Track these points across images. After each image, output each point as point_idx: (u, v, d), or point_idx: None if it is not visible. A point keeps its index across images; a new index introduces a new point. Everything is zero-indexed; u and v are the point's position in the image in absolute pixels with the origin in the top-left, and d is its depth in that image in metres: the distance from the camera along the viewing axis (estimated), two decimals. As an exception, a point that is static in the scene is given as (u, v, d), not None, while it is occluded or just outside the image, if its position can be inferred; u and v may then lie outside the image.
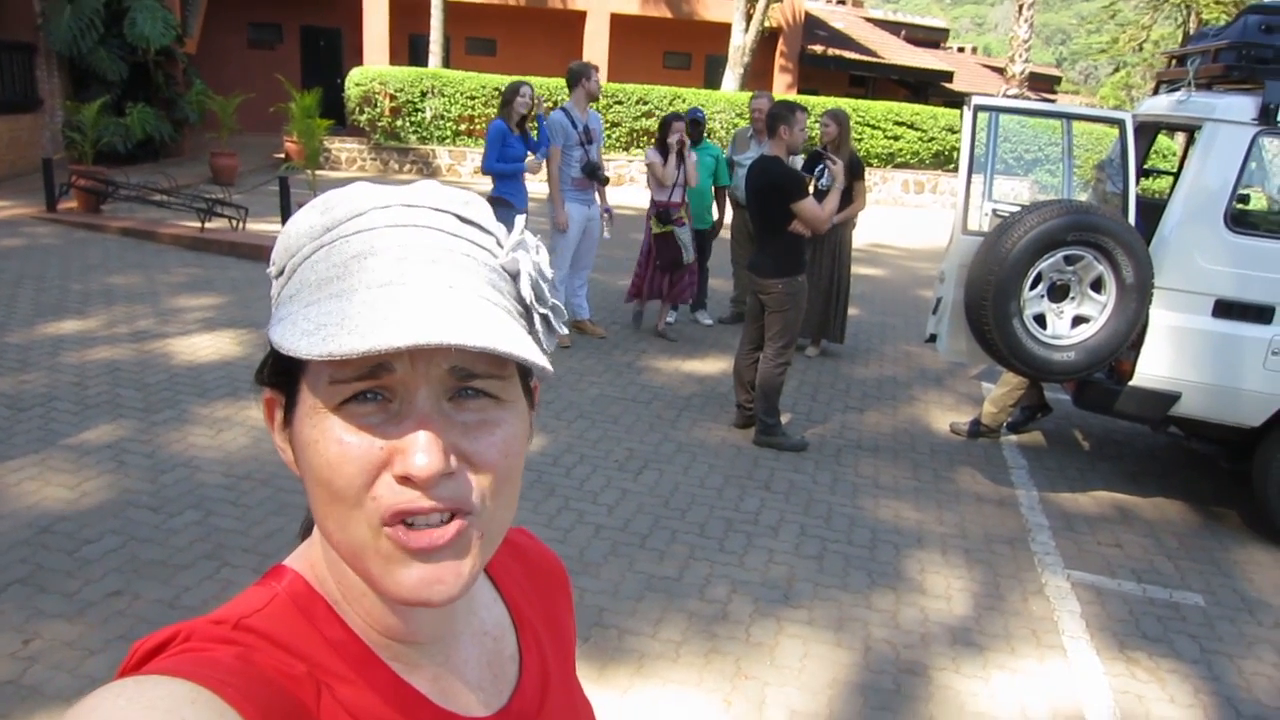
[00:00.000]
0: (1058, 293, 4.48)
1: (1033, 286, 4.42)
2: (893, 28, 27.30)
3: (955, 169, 15.61)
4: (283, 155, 15.01)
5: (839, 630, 3.47)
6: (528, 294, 0.63)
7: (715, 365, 6.58)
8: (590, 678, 3.07)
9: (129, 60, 13.05)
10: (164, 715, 0.50)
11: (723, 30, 19.42)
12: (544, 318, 0.64)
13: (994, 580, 3.95)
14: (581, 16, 20.39)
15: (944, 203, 17.21)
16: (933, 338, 5.16)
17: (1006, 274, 4.32)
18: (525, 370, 0.64)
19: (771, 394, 5.14)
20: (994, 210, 5.84)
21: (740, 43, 18.01)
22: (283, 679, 0.58)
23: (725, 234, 7.76)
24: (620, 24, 20.50)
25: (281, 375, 0.62)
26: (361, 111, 15.74)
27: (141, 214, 9.97)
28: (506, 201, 6.21)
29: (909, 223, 15.12)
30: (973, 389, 6.65)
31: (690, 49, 22.34)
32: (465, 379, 0.58)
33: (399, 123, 16.01)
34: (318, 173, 14.59)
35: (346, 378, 0.56)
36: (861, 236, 11.37)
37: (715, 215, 7.54)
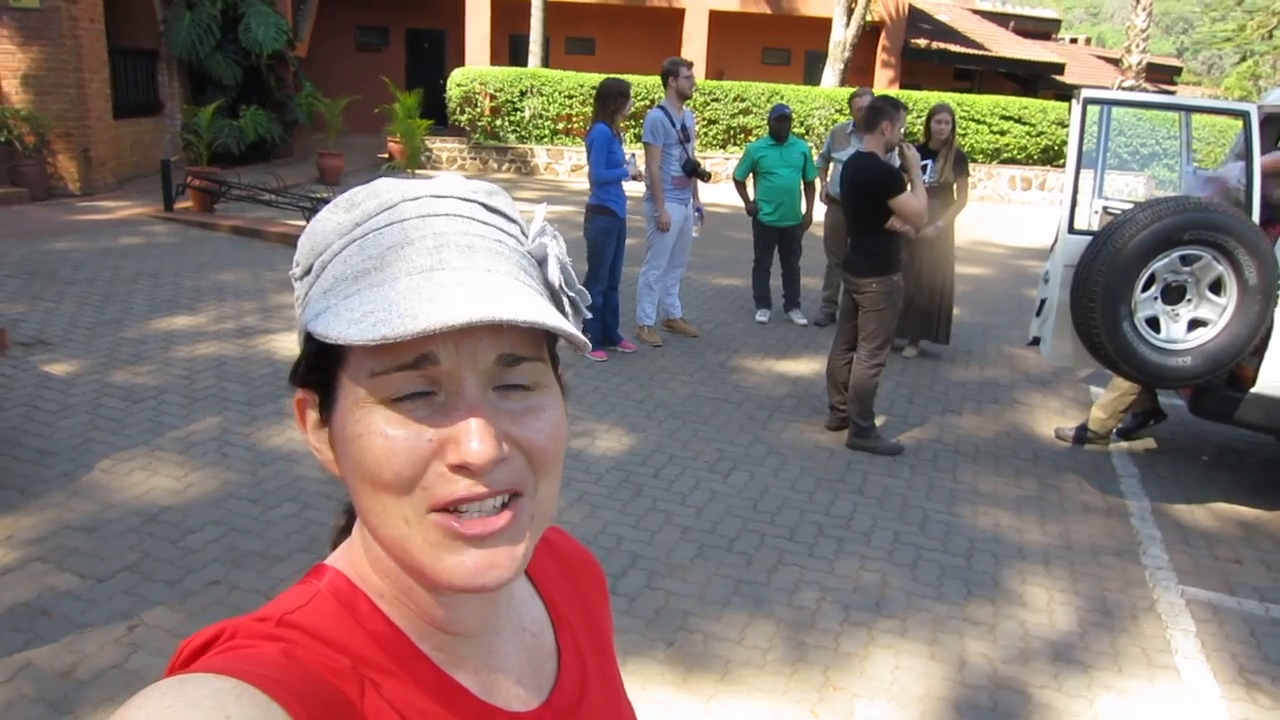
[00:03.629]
0: (1172, 294, 4.25)
1: (1145, 288, 4.20)
2: (1001, 19, 26.47)
3: (1064, 165, 15.09)
4: (386, 155, 15.39)
5: (933, 642, 3.35)
6: (555, 278, 0.64)
7: (808, 366, 6.46)
8: (674, 683, 3.03)
9: (243, 64, 13.55)
10: (209, 712, 0.50)
11: (823, 25, 19.14)
12: (571, 301, 0.65)
13: (1100, 594, 3.76)
14: (680, 14, 20.35)
15: (1052, 199, 16.60)
16: (1036, 340, 4.96)
17: (1117, 275, 4.11)
18: (554, 359, 0.65)
19: (866, 396, 5.01)
20: (1105, 208, 5.60)
21: (841, 38, 17.71)
22: (327, 674, 0.58)
23: (817, 231, 7.63)
24: (719, 20, 20.39)
25: (316, 374, 0.62)
26: (462, 111, 16.02)
27: (252, 213, 10.34)
28: (608, 210, 6.09)
29: (1015, 220, 14.63)
30: (1080, 393, 6.37)
31: (790, 45, 22.07)
32: (511, 365, 0.59)
33: (498, 122, 16.24)
34: (418, 172, 14.96)
35: (389, 368, 0.56)
36: (965, 234, 11.05)
37: (804, 210, 7.42)
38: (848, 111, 6.89)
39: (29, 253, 7.83)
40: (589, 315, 0.68)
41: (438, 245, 0.58)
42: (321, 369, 0.61)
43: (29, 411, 4.79)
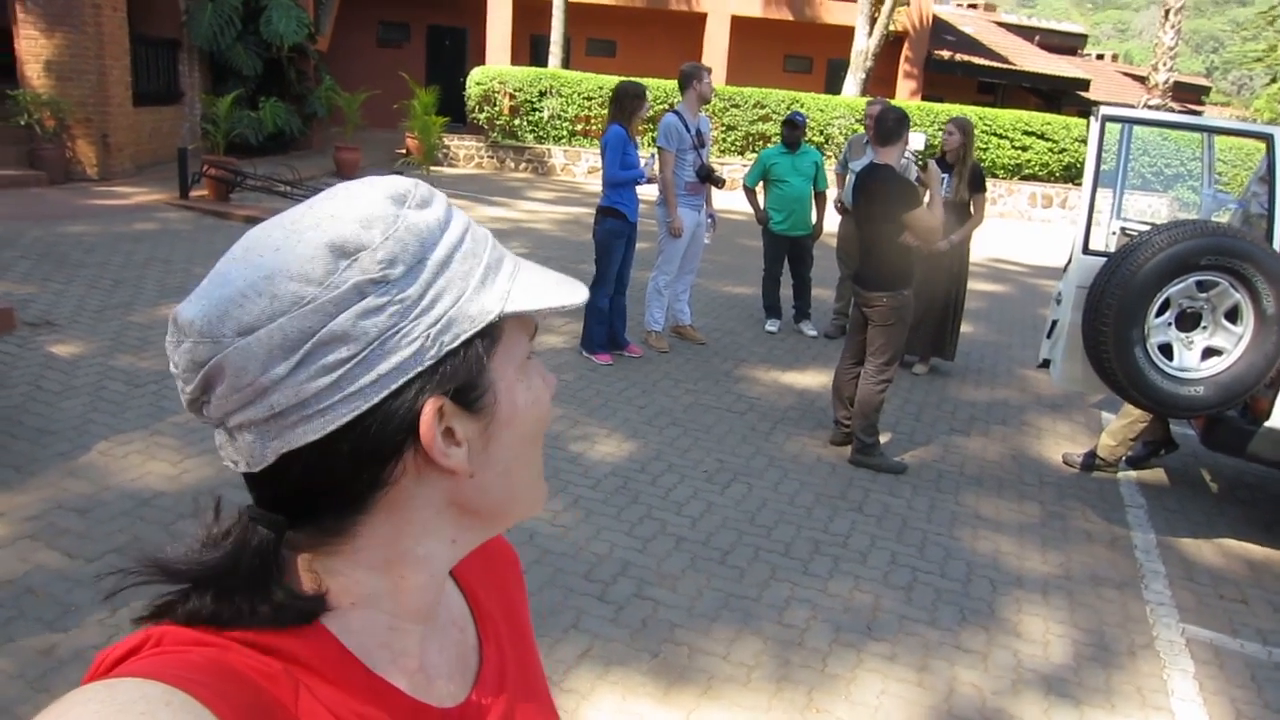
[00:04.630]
0: (1187, 321, 4.16)
1: (1159, 313, 4.12)
2: (1026, 33, 26.30)
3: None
4: (404, 151, 15.40)
5: (922, 669, 3.28)
6: None
7: (815, 378, 6.39)
8: (655, 696, 2.98)
9: (264, 56, 13.58)
10: (137, 718, 0.49)
11: (845, 34, 19.06)
12: None
13: (1099, 628, 3.68)
14: (702, 18, 20.31)
15: (1073, 218, 16.43)
16: (1046, 363, 4.88)
17: (1130, 298, 4.03)
18: None
19: (871, 412, 4.94)
20: (1122, 228, 5.52)
21: (863, 47, 17.63)
22: (259, 678, 0.56)
23: (830, 241, 7.56)
24: (741, 26, 20.34)
25: (477, 367, 0.63)
26: (481, 110, 16.01)
27: (267, 203, 10.35)
28: (619, 213, 6.02)
29: (1034, 238, 14.51)
30: (1091, 418, 6.28)
31: (811, 52, 21.99)
32: None
33: (517, 122, 16.23)
34: (434, 168, 14.96)
35: (532, 332, 0.67)
36: (982, 250, 10.96)
37: (814, 220, 7.35)
38: (865, 122, 6.83)
39: (43, 235, 7.84)
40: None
41: (496, 241, 0.67)
42: (480, 361, 0.62)
43: (31, 391, 4.79)
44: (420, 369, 0.59)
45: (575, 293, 0.65)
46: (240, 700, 0.54)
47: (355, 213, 0.59)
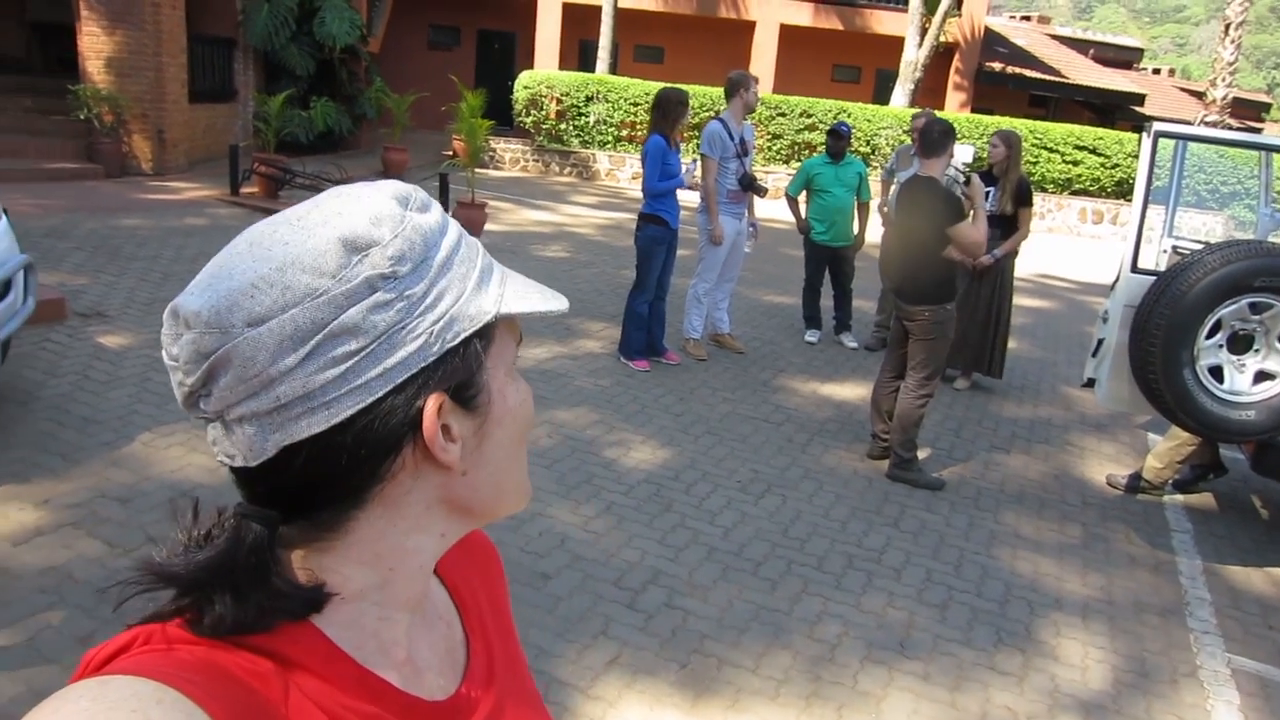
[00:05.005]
0: (1239, 344, 4.06)
1: (1210, 335, 4.02)
2: (1081, 46, 25.93)
3: (1138, 199, 14.68)
4: (450, 153, 15.52)
5: (956, 689, 3.23)
6: None
7: (854, 391, 6.33)
8: (682, 707, 2.95)
9: (316, 56, 13.76)
10: (129, 715, 0.49)
11: (895, 44, 18.90)
12: None
13: (1140, 655, 3.60)
14: (750, 26, 20.27)
15: (1123, 235, 16.11)
16: (1091, 382, 4.79)
17: (1180, 319, 3.94)
18: None
19: (910, 427, 4.87)
20: (1174, 247, 5.40)
21: (912, 58, 17.48)
22: (249, 677, 0.57)
23: (873, 252, 7.48)
24: (789, 35, 20.26)
25: (460, 371, 0.63)
26: (528, 113, 16.11)
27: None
28: (660, 219, 6.01)
29: (1083, 254, 14.27)
30: (1137, 439, 6.15)
31: (860, 62, 21.84)
32: None
33: (563, 126, 16.30)
34: (479, 171, 15.05)
35: (518, 339, 0.69)
36: (1029, 266, 10.81)
37: (856, 231, 7.28)
38: (911, 134, 6.77)
39: (97, 227, 8.00)
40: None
41: (483, 249, 0.69)
42: (477, 360, 0.64)
43: (79, 380, 4.89)
44: (424, 364, 0.60)
45: (557, 301, 0.67)
46: (231, 698, 0.54)
47: (364, 211, 0.60)
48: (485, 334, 0.64)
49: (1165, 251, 5.54)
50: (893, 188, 7.02)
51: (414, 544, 0.65)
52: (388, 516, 0.63)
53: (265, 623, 0.59)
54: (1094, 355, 4.81)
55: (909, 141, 7.02)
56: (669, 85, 6.21)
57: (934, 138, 4.78)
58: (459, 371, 0.62)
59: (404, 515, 0.64)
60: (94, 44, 10.58)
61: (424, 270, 0.60)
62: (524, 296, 0.66)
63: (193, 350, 0.57)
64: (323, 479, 0.60)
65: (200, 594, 0.58)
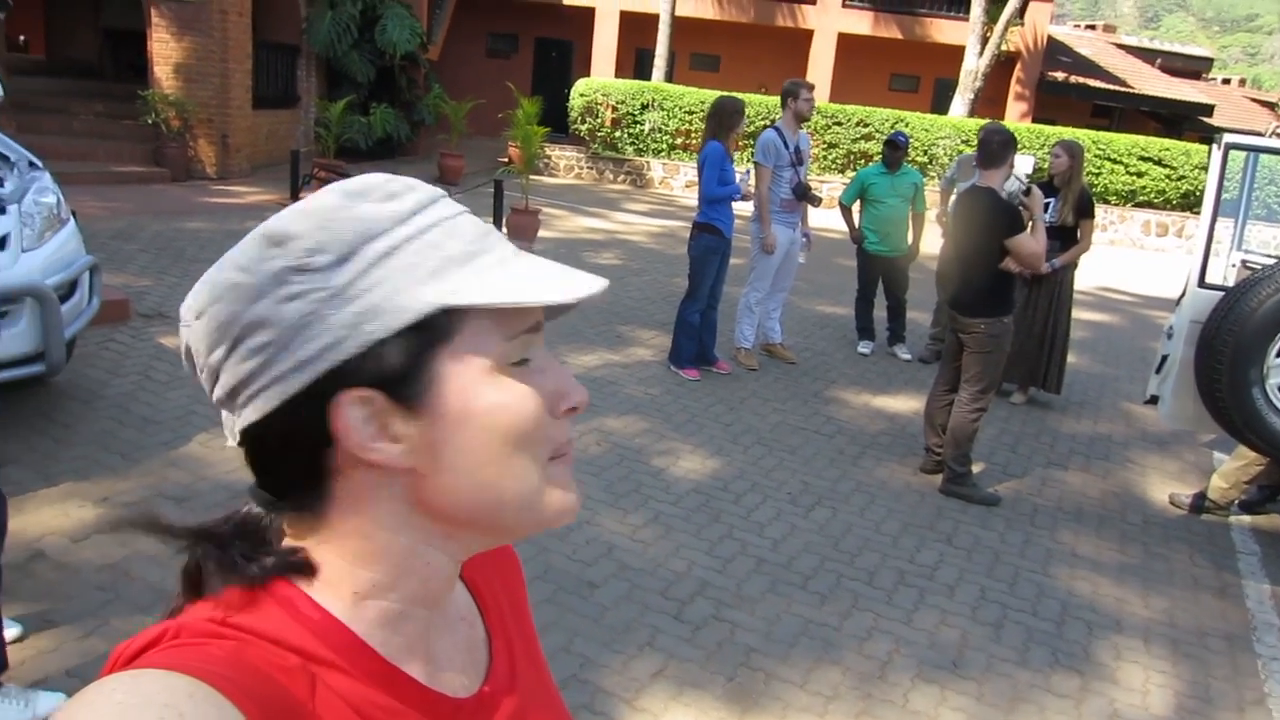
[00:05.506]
0: (1312, 362, 3.92)
1: (1280, 353, 3.89)
2: (1147, 56, 25.36)
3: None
4: (505, 159, 15.66)
5: (1010, 711, 3.15)
6: None
7: (907, 403, 6.24)
8: (729, 723, 2.91)
9: (377, 63, 13.99)
10: (162, 710, 0.49)
11: (954, 53, 18.67)
12: None
13: (1204, 681, 3.48)
14: (808, 35, 20.18)
15: (1189, 248, 15.73)
16: (1154, 399, 4.66)
17: (1249, 336, 3.82)
18: None
19: (964, 441, 4.78)
20: (1243, 261, 5.25)
21: (973, 67, 17.24)
22: (276, 672, 0.57)
23: (928, 263, 7.38)
24: (847, 43, 20.13)
25: (397, 365, 0.59)
26: (583, 121, 16.19)
27: (371, 207, 10.63)
28: (715, 228, 5.97)
29: (1147, 267, 13.94)
30: (1202, 458, 5.97)
31: (919, 71, 21.62)
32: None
33: (618, 133, 16.35)
34: (533, 177, 15.17)
35: (519, 331, 0.62)
36: (1090, 279, 10.58)
37: (910, 241, 7.19)
38: (975, 144, 6.65)
39: (162, 230, 8.19)
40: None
41: (499, 237, 0.64)
42: (413, 355, 0.59)
43: (141, 380, 5.00)
44: (343, 358, 0.58)
45: (547, 291, 0.60)
46: (260, 693, 0.54)
47: (301, 205, 0.61)
48: (433, 327, 0.59)
49: (1234, 266, 5.38)
50: (952, 198, 6.91)
51: (408, 544, 0.63)
52: (360, 512, 0.62)
53: (249, 574, 0.61)
54: (1157, 372, 4.69)
55: (969, 152, 6.91)
56: (725, 94, 6.18)
57: (993, 148, 4.70)
58: (385, 368, 0.59)
59: (378, 513, 0.62)
60: (163, 50, 10.86)
61: (349, 260, 0.59)
62: (495, 286, 0.60)
63: (178, 341, 0.64)
64: (275, 466, 0.63)
65: (192, 549, 0.64)
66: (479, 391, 0.60)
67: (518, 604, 0.84)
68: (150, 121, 10.70)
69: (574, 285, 0.61)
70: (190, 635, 0.57)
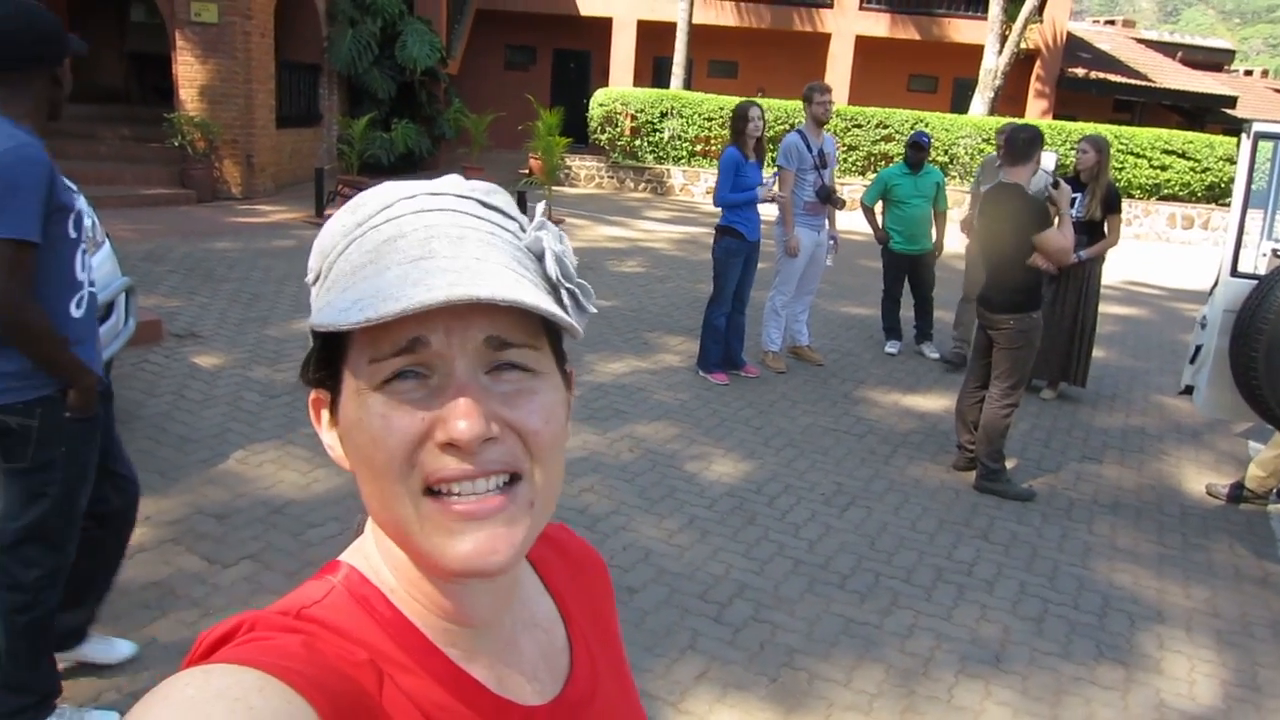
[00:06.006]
0: (1349, 347, 3.89)
1: (1317, 339, 3.86)
2: (1168, 49, 25.17)
3: (1230, 203, 14.16)
4: (526, 171, 15.76)
5: (1056, 704, 3.14)
6: (553, 271, 0.64)
7: (938, 401, 6.22)
8: (773, 721, 2.92)
9: (397, 79, 14.14)
10: (232, 704, 0.51)
11: (973, 52, 18.61)
12: (571, 293, 0.65)
13: (1250, 670, 3.45)
14: (825, 38, 20.17)
15: (1215, 240, 15.58)
16: (1189, 389, 4.64)
17: (1285, 323, 3.79)
18: (559, 353, 0.66)
19: (995, 437, 4.77)
20: (1274, 250, 5.21)
21: (992, 65, 17.17)
22: (346, 666, 0.59)
23: (953, 262, 7.35)
24: (865, 46, 20.10)
25: (324, 370, 0.64)
26: (603, 130, 16.26)
27: (396, 222, 10.72)
28: (736, 232, 5.99)
29: (1173, 260, 13.82)
30: (1237, 447, 5.92)
31: (937, 71, 21.55)
32: (500, 348, 0.60)
33: (637, 142, 16.41)
34: (555, 188, 15.26)
35: (385, 354, 0.58)
36: (1117, 273, 10.50)
37: (934, 239, 7.17)
38: (996, 143, 6.60)
39: (190, 250, 8.31)
40: (593, 309, 0.67)
41: (428, 237, 0.60)
42: (328, 365, 0.63)
43: (176, 400, 5.06)
44: (312, 356, 0.65)
45: (354, 310, 0.56)
46: (330, 687, 0.56)
47: None
48: (339, 340, 0.61)
49: (1265, 255, 5.34)
50: (968, 198, 6.88)
51: (404, 558, 0.64)
52: (370, 515, 0.66)
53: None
54: (1191, 362, 4.66)
55: (993, 152, 6.88)
56: (745, 99, 6.20)
57: (1019, 145, 4.70)
58: (311, 369, 0.65)
59: (370, 508, 0.64)
60: (188, 73, 11.02)
61: (321, 275, 0.65)
62: (324, 305, 0.60)
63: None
64: None
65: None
66: (347, 409, 0.61)
67: (603, 615, 0.84)
68: (176, 144, 10.86)
69: (390, 303, 0.55)
70: (265, 629, 0.59)
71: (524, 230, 0.67)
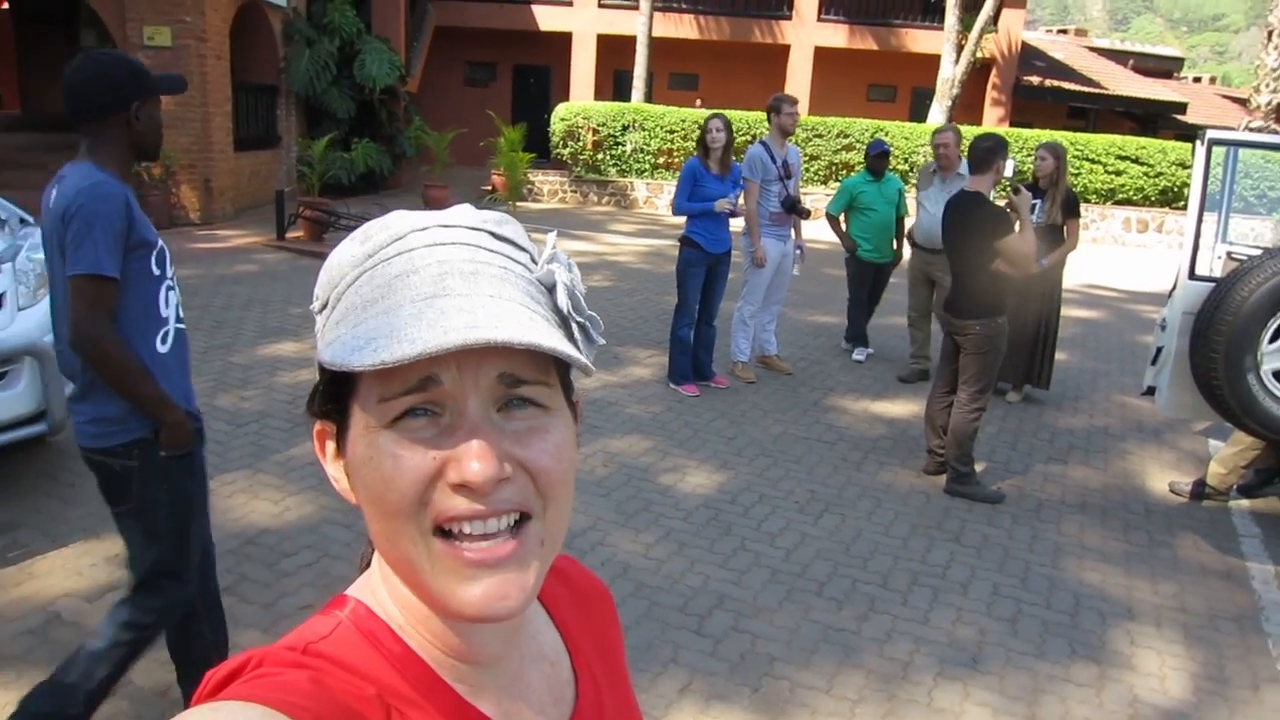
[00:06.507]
0: (1304, 346, 3.99)
1: (1273, 339, 3.96)
2: (1119, 57, 25.70)
3: (1184, 207, 14.43)
4: (489, 188, 15.74)
5: (1033, 703, 3.19)
6: (564, 304, 0.64)
7: (906, 407, 6.30)
8: (757, 730, 2.94)
9: (356, 99, 14.06)
10: None
11: (930, 62, 18.88)
12: (581, 326, 0.65)
13: (1218, 662, 3.53)
14: (785, 50, 20.37)
15: (1170, 243, 15.93)
16: (1151, 390, 4.73)
17: (1241, 324, 3.90)
18: (567, 385, 0.66)
19: (964, 440, 4.84)
20: (1229, 253, 5.33)
21: (949, 75, 17.43)
22: (354, 701, 0.59)
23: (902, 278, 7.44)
24: (824, 56, 20.33)
25: (331, 404, 0.64)
26: (565, 145, 16.29)
27: (360, 242, 10.65)
28: (693, 242, 6.03)
29: (1129, 263, 14.09)
30: (1198, 445, 6.04)
31: (895, 81, 21.84)
32: (513, 385, 0.59)
33: (600, 156, 16.46)
34: (519, 204, 15.25)
35: (395, 393, 0.58)
36: (1076, 277, 10.68)
37: (895, 247, 7.26)
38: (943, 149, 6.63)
39: (152, 275, 8.19)
40: (601, 340, 0.68)
41: (442, 273, 0.60)
42: (336, 399, 0.63)
43: (143, 428, 4.98)
44: (319, 390, 0.65)
45: (368, 353, 0.55)
46: None
47: None
48: (347, 375, 0.60)
49: (1220, 258, 5.47)
50: (919, 211, 6.88)
51: (411, 595, 0.64)
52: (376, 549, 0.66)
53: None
54: (1153, 363, 4.76)
55: (931, 160, 6.90)
56: (712, 112, 6.24)
57: (979, 154, 4.79)
58: (319, 403, 0.65)
59: (381, 555, 0.65)
60: (144, 98, 10.86)
61: (329, 306, 0.64)
62: (334, 342, 0.60)
63: None
64: None
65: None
66: (356, 446, 0.61)
67: (609, 646, 0.84)
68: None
69: (405, 345, 0.54)
70: (272, 664, 0.59)
71: (535, 261, 0.67)
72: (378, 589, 0.67)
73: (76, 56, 2.39)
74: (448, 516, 0.58)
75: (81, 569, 3.63)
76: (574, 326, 0.65)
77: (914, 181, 15.17)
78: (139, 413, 2.39)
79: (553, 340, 0.57)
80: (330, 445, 0.65)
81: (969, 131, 7.92)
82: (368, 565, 0.71)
